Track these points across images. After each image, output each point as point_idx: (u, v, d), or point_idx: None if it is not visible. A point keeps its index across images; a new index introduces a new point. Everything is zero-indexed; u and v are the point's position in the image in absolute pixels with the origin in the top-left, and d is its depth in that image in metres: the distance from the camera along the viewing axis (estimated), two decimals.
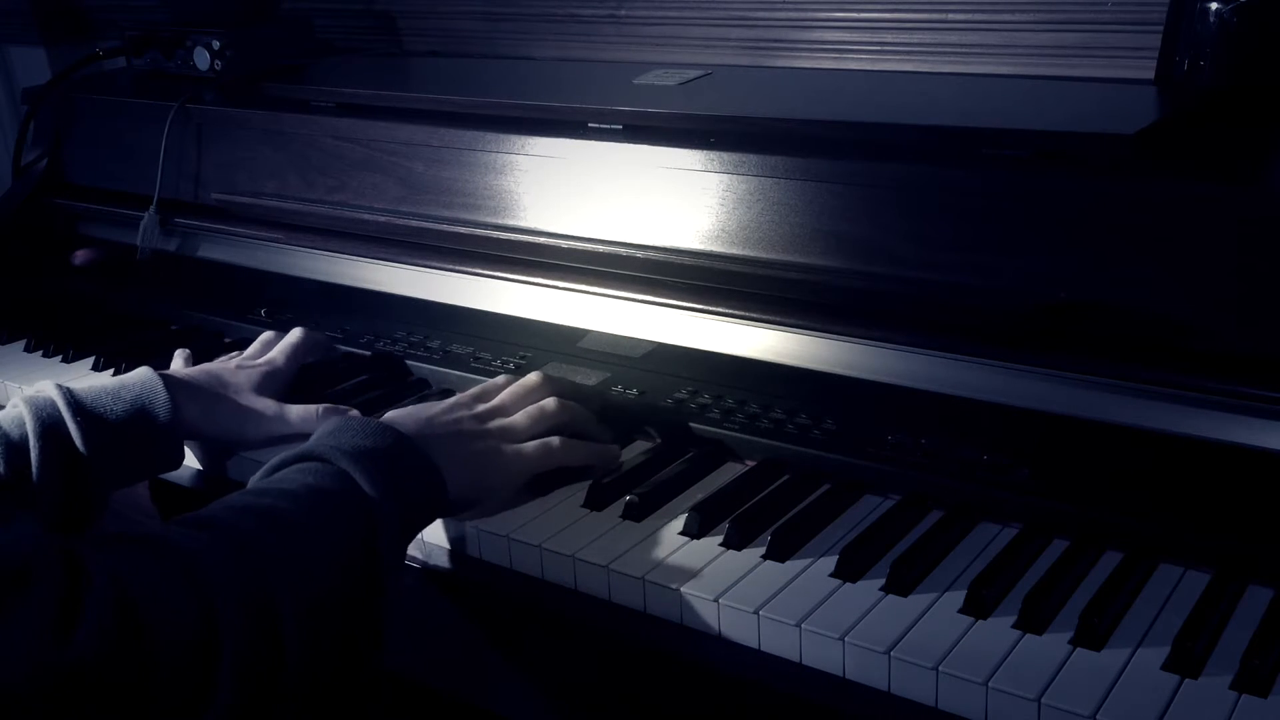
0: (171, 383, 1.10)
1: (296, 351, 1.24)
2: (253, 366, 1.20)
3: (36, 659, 0.70)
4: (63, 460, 1.02)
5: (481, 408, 1.06)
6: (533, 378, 1.11)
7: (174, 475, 1.16)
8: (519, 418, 1.06)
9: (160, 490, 1.18)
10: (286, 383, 1.21)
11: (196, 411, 1.12)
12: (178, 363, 1.26)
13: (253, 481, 0.92)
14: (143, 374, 1.10)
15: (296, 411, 1.16)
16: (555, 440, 1.05)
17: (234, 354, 1.27)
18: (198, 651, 0.76)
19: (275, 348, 1.24)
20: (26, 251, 1.62)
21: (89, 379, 1.36)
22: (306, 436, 1.15)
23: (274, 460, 0.93)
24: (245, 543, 0.81)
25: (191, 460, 1.18)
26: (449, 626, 1.01)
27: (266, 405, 1.15)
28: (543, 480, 1.05)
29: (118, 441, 1.06)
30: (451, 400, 1.06)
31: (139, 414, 1.07)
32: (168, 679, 0.74)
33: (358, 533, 0.87)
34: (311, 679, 0.81)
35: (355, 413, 1.17)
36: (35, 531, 0.76)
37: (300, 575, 0.82)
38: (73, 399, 1.05)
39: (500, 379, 1.12)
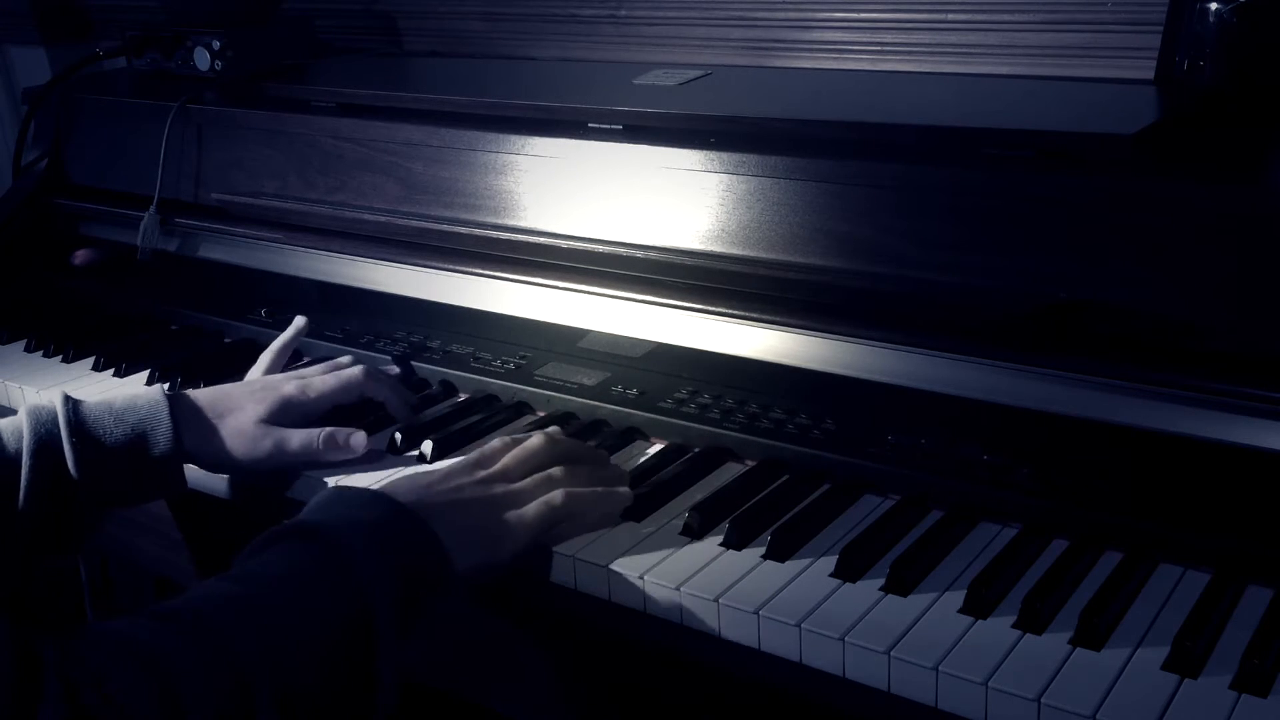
0: (178, 409, 1.06)
1: (333, 390, 1.14)
2: (267, 389, 1.12)
3: None
4: (53, 479, 1.01)
5: (482, 474, 0.98)
6: (535, 441, 1.02)
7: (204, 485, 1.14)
8: (525, 484, 0.98)
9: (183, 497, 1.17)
10: (307, 416, 1.12)
11: (197, 441, 1.07)
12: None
13: (237, 561, 0.86)
14: (151, 396, 1.06)
15: (297, 439, 1.09)
16: (557, 496, 0.96)
17: (298, 367, 1.21)
18: None
19: (317, 378, 1.15)
20: (27, 251, 1.61)
21: (92, 381, 1.36)
22: (314, 465, 1.11)
23: (260, 538, 0.87)
24: (218, 640, 0.76)
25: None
26: (449, 626, 1.01)
27: (266, 433, 1.08)
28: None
29: (112, 466, 1.03)
30: (448, 466, 1.00)
31: (138, 440, 1.04)
32: None
33: (347, 616, 0.81)
34: None
35: (360, 437, 1.10)
36: None
37: (280, 671, 0.76)
38: (74, 417, 1.02)
39: (497, 442, 1.03)
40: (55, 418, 1.02)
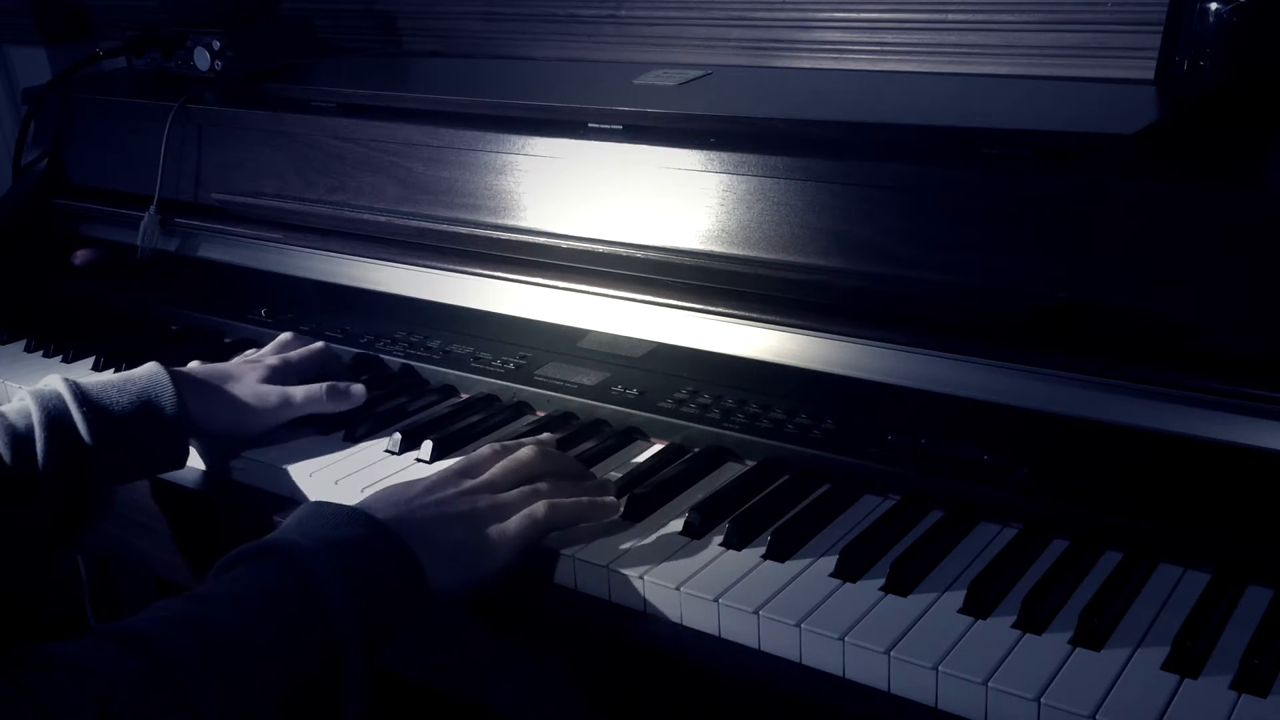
0: (178, 377, 1.11)
1: (310, 358, 1.25)
2: (259, 361, 1.21)
3: None
4: (67, 452, 1.02)
5: (469, 484, 0.97)
6: (525, 451, 1.02)
7: (177, 476, 1.16)
8: (511, 496, 0.97)
9: (163, 491, 1.19)
10: (295, 381, 1.21)
11: (201, 405, 1.12)
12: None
13: (207, 577, 0.84)
14: (150, 368, 1.11)
15: (301, 392, 1.17)
16: (539, 509, 0.95)
17: (249, 351, 1.28)
18: None
19: (293, 351, 1.25)
20: (27, 251, 1.62)
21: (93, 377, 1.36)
22: (317, 418, 1.18)
23: (230, 555, 0.85)
24: (168, 665, 0.74)
25: (196, 461, 1.18)
26: (449, 626, 1.01)
27: (270, 390, 1.16)
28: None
29: (123, 434, 1.06)
30: (436, 477, 0.98)
31: (145, 407, 1.07)
32: None
33: (309, 641, 0.80)
34: None
35: (359, 388, 1.19)
36: None
37: (232, 697, 0.75)
38: (79, 391, 1.05)
39: (487, 450, 1.02)
40: (60, 395, 1.04)
